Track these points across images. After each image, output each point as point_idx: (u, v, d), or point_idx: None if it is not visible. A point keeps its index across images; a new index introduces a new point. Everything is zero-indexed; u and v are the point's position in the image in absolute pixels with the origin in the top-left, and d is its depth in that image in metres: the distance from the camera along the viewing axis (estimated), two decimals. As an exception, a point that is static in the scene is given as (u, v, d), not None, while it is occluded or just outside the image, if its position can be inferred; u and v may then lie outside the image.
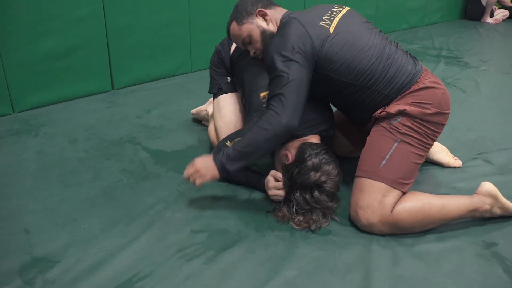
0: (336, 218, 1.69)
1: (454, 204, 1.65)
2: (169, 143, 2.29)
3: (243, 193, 1.85)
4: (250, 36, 1.79)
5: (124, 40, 3.00)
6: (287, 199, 1.68)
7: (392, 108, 1.67)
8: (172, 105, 2.82)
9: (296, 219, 1.65)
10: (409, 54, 1.78)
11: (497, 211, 1.72)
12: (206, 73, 3.44)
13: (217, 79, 2.13)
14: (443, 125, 1.74)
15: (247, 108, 1.92)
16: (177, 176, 1.96)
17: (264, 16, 1.78)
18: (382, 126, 1.69)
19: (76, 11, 2.71)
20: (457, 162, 2.18)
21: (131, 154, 2.16)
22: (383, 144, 1.66)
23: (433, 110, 1.67)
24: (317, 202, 1.62)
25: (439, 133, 1.73)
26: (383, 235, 1.62)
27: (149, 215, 1.68)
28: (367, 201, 1.61)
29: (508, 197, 1.76)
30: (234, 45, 2.09)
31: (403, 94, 1.67)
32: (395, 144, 1.65)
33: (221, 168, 1.61)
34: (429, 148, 1.72)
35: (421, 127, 1.67)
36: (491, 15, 6.64)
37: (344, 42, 1.64)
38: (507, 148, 2.42)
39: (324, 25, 1.66)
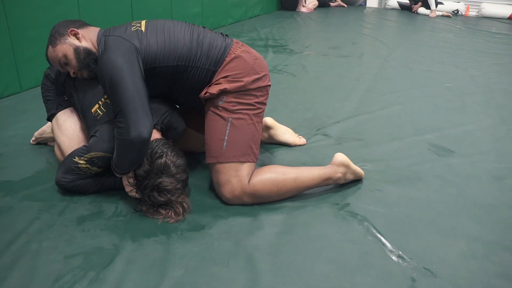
0: (185, 205, 1.74)
1: (307, 174, 1.86)
2: (15, 171, 2.09)
3: (109, 207, 1.80)
4: (65, 56, 1.82)
5: None
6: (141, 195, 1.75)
7: (214, 89, 1.81)
8: (7, 130, 2.56)
9: (158, 212, 1.72)
10: (219, 32, 1.97)
11: (350, 176, 1.99)
12: (38, 90, 3.20)
13: (54, 99, 2.05)
14: (267, 86, 1.91)
15: (86, 126, 1.93)
16: (34, 204, 1.81)
17: (76, 35, 1.84)
18: (212, 110, 1.83)
19: None
20: (302, 140, 2.43)
21: (-28, 192, 1.93)
22: (218, 128, 1.81)
23: (249, 78, 1.82)
24: (158, 200, 1.70)
25: (265, 95, 1.90)
26: (246, 205, 1.80)
27: (11, 252, 1.53)
28: (225, 179, 1.78)
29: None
30: None
31: (221, 68, 1.83)
32: (229, 124, 1.80)
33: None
34: (262, 111, 1.89)
35: (246, 97, 1.82)
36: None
37: (157, 32, 1.81)
38: (339, 121, 2.76)
39: (136, 28, 1.81)
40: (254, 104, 1.85)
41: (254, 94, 1.84)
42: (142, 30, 1.80)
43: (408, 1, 7.89)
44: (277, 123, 2.40)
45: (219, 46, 1.86)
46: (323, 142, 2.46)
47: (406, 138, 2.55)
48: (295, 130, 2.52)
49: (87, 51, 1.82)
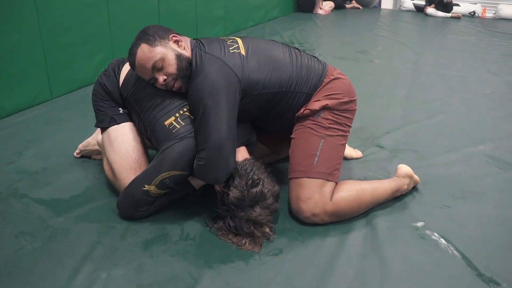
0: (268, 234, 1.63)
1: (382, 189, 1.82)
2: (63, 188, 1.97)
3: (174, 230, 1.68)
4: (163, 59, 1.64)
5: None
6: (221, 219, 1.65)
7: (315, 105, 1.75)
8: (45, 141, 2.44)
9: (230, 238, 1.61)
10: (309, 54, 1.88)
11: (411, 186, 1.96)
12: (71, 97, 3.10)
13: (107, 112, 1.86)
14: (355, 110, 1.86)
15: (154, 142, 1.74)
16: (91, 226, 1.70)
17: (178, 42, 1.70)
18: (306, 125, 1.76)
19: None
20: (358, 153, 2.33)
21: (22, 211, 1.80)
22: (311, 143, 1.73)
23: (346, 98, 1.80)
24: (244, 231, 1.60)
25: (352, 119, 1.85)
26: (324, 224, 1.71)
27: (80, 281, 1.42)
28: (307, 194, 1.68)
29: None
30: (122, 78, 1.86)
31: (319, 89, 1.78)
32: (322, 141, 1.73)
33: None
34: (348, 135, 1.83)
35: (339, 117, 1.78)
36: None
37: (258, 57, 1.69)
38: (388, 132, 2.66)
39: (235, 50, 1.68)
40: (345, 125, 1.80)
41: (347, 116, 1.80)
42: (243, 54, 1.67)
43: (423, 3, 7.79)
44: None
45: (317, 69, 1.80)
46: (379, 155, 2.35)
47: (461, 150, 2.45)
48: (347, 142, 2.41)
49: (189, 61, 1.66)
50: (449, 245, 1.65)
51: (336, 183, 1.74)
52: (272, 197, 1.59)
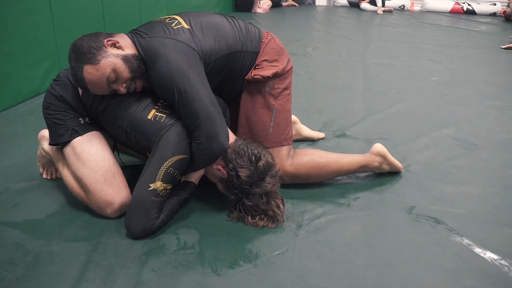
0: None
1: (347, 160, 1.92)
2: (34, 208, 1.79)
3: (170, 240, 1.59)
4: (114, 70, 1.56)
5: None
6: (236, 204, 1.66)
7: (265, 71, 1.78)
8: (1, 159, 2.22)
9: (250, 220, 1.65)
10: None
11: (386, 167, 2.01)
12: (18, 110, 2.85)
13: (67, 124, 1.71)
14: (292, 67, 1.93)
15: (143, 141, 1.63)
16: (77, 246, 1.55)
17: (115, 44, 1.60)
18: (257, 97, 1.82)
19: None
20: (321, 134, 2.45)
21: (-7, 238, 1.62)
22: (263, 117, 1.83)
23: (284, 60, 1.87)
24: (268, 207, 1.63)
25: (291, 76, 1.93)
26: (285, 184, 1.84)
27: (80, 307, 1.30)
28: None
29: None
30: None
31: (261, 50, 1.81)
32: (274, 111, 1.83)
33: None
34: (291, 92, 1.93)
35: (285, 80, 1.87)
36: None
37: (202, 28, 1.67)
38: (357, 122, 2.70)
39: (178, 25, 1.64)
40: (288, 87, 1.89)
41: (288, 76, 1.88)
42: (187, 28, 1.64)
43: (356, -2, 8.04)
44: (296, 118, 2.38)
45: (254, 30, 1.83)
46: (354, 145, 2.37)
47: (428, 134, 2.53)
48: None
49: (137, 58, 1.60)
50: (443, 225, 1.70)
51: (291, 144, 1.87)
52: (275, 164, 1.67)
